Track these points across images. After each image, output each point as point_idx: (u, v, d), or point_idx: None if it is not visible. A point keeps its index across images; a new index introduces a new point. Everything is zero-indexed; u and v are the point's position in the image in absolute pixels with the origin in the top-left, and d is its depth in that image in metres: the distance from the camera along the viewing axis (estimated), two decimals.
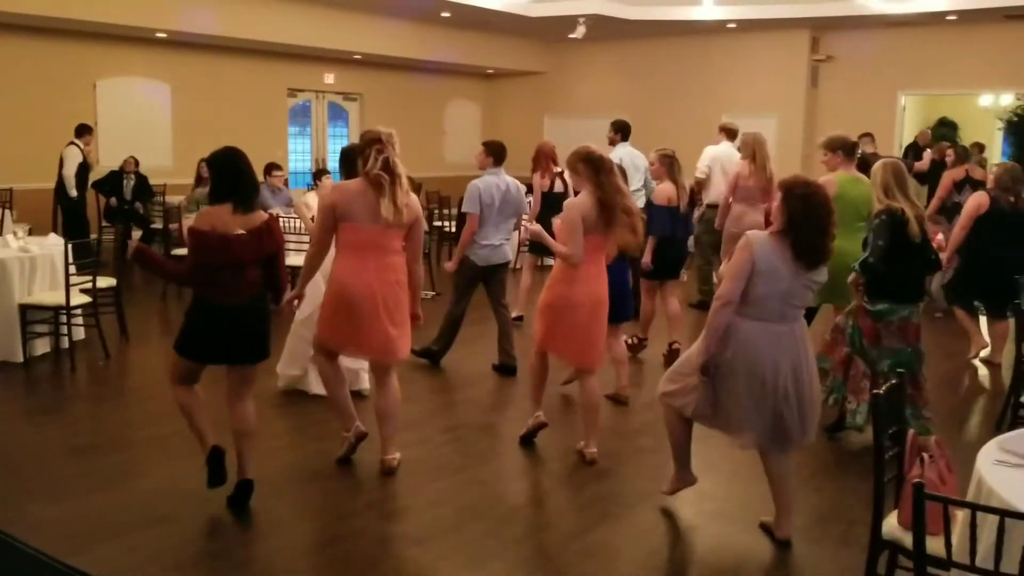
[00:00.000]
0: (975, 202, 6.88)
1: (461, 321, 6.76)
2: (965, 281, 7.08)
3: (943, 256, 6.66)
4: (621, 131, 8.44)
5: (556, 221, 4.94)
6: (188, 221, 10.28)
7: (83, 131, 10.71)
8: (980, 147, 15.99)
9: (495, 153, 6.65)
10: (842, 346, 5.14)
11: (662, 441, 5.15)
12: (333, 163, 15.50)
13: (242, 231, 3.99)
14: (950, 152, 9.23)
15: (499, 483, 4.65)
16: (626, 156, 8.11)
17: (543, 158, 8.20)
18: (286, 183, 10.38)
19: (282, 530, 3.99)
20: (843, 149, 6.20)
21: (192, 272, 4.07)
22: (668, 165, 6.84)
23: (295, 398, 5.82)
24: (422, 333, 7.34)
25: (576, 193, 4.96)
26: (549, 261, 7.08)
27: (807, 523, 4.14)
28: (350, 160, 4.72)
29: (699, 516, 4.24)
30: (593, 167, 4.73)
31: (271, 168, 9.76)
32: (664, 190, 6.85)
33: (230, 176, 4.09)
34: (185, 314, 4.16)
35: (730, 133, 9.00)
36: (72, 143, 10.58)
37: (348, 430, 4.74)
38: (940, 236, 6.44)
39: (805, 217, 3.71)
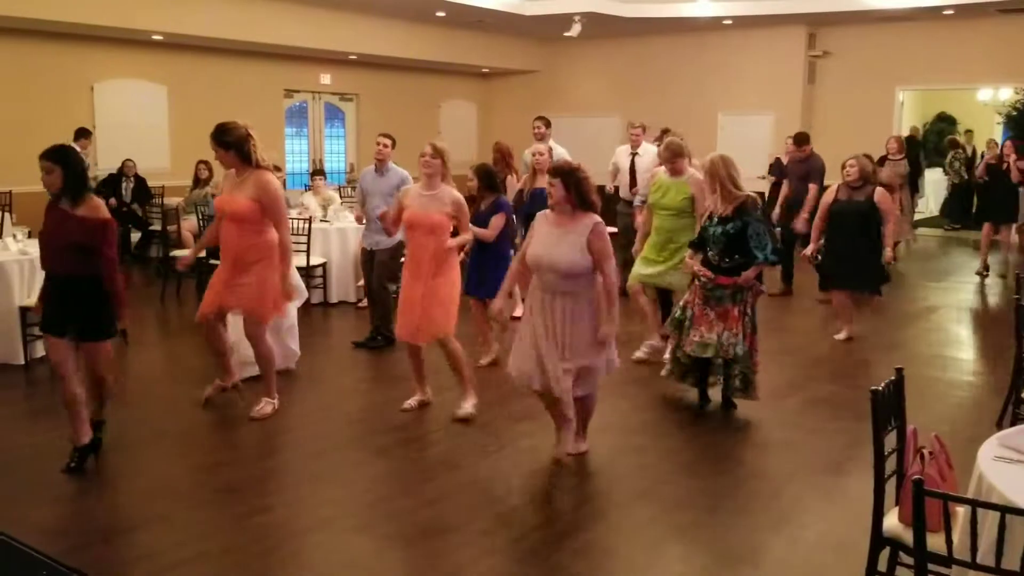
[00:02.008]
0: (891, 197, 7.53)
1: None
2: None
3: (888, 252, 7.27)
4: (550, 126, 8.80)
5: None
6: (186, 223, 10.33)
7: (81, 135, 10.80)
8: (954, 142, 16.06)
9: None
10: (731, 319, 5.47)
11: (656, 440, 5.19)
12: (330, 164, 15.49)
13: None
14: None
15: (492, 482, 4.64)
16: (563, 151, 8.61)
17: (508, 158, 8.26)
18: (284, 184, 10.37)
19: (271, 532, 3.99)
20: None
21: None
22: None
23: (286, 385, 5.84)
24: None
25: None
26: None
27: (806, 520, 4.13)
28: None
29: (695, 513, 4.23)
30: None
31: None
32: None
33: (82, 168, 4.49)
34: (102, 302, 4.46)
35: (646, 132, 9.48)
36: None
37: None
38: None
39: (588, 186, 4.43)
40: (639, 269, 6.73)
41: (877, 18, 13.87)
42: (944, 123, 18.18)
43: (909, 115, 16.29)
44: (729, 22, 14.42)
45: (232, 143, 5.06)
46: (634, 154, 9.27)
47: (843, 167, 7.33)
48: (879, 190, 7.33)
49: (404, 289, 5.43)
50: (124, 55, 12.41)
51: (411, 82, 16.24)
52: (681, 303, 5.78)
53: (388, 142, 7.12)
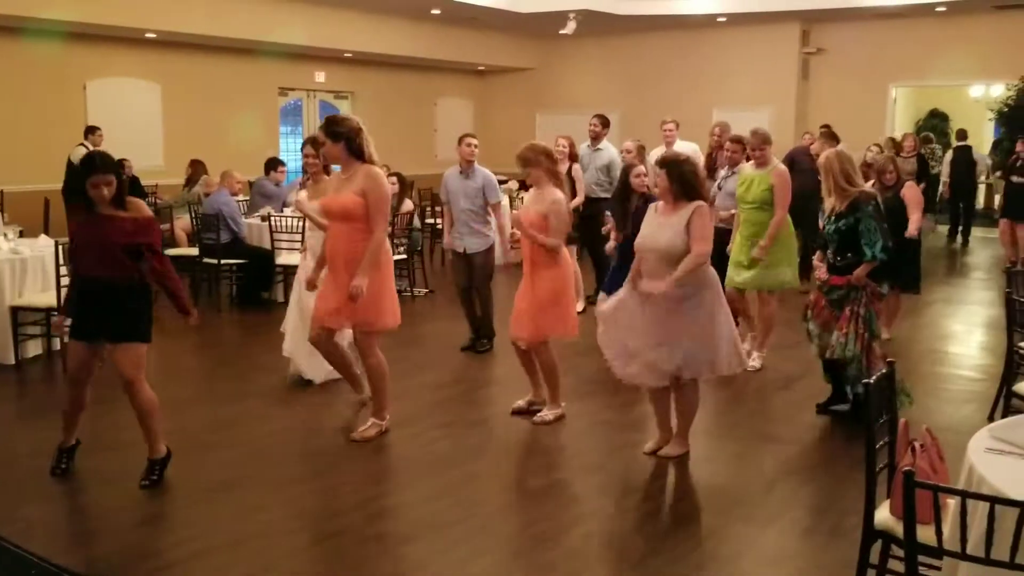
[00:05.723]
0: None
1: None
2: None
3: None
4: (608, 126, 8.61)
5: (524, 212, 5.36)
6: (180, 222, 10.30)
7: (91, 132, 11.01)
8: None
9: None
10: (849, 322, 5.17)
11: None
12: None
13: None
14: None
15: (494, 478, 4.65)
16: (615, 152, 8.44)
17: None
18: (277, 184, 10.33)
19: (273, 528, 3.99)
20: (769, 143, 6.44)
21: None
22: None
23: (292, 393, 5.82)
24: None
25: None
26: None
27: (800, 514, 4.14)
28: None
29: (691, 507, 4.24)
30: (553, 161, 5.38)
31: (276, 164, 9.90)
32: None
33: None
34: (142, 304, 4.40)
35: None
36: (81, 144, 10.80)
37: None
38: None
39: (692, 178, 4.61)
40: (731, 274, 6.40)
41: (870, 15, 13.90)
42: (937, 119, 18.19)
43: (902, 112, 16.31)
44: (723, 19, 14.44)
45: (343, 134, 4.78)
46: None
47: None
48: (907, 184, 7.17)
49: (519, 290, 5.42)
50: (117, 53, 12.38)
51: (406, 80, 16.23)
52: (807, 306, 5.53)
53: (476, 142, 6.93)
